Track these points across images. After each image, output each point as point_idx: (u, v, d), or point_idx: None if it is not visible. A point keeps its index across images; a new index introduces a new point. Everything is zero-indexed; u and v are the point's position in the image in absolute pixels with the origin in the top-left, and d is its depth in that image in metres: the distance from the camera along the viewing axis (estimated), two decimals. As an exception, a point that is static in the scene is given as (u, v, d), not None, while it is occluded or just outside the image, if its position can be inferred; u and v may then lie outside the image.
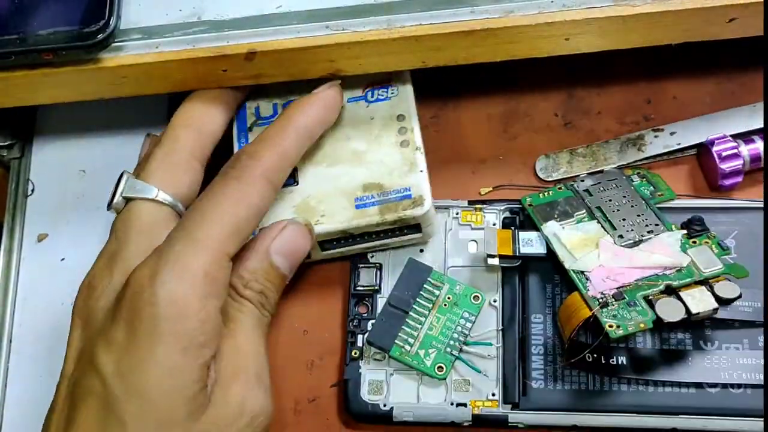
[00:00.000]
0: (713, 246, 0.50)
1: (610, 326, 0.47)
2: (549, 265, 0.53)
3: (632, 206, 0.53)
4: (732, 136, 0.55)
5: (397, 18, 0.50)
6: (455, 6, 0.50)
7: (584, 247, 0.51)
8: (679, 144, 0.56)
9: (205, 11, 0.51)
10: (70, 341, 0.46)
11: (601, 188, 0.54)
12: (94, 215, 0.59)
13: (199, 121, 0.51)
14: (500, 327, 0.52)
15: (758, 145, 0.55)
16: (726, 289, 0.48)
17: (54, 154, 0.62)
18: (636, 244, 0.51)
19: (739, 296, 0.48)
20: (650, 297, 0.48)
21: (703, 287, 0.48)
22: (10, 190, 0.61)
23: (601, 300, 0.48)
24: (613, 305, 0.48)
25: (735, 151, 0.54)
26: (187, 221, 0.45)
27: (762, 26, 0.50)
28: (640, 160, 0.57)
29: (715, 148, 0.54)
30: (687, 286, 0.48)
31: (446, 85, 0.59)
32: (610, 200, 0.53)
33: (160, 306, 0.41)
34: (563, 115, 0.59)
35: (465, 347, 0.52)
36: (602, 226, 0.52)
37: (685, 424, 0.49)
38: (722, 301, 0.48)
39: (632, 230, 0.51)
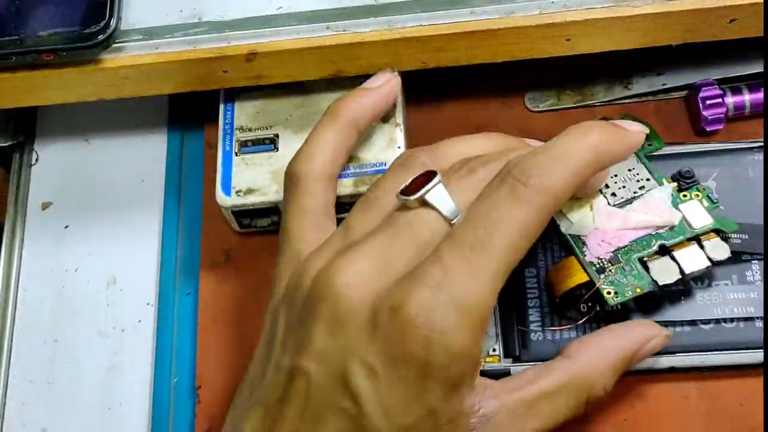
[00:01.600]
0: (703, 199, 0.51)
1: (608, 293, 0.48)
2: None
3: None
4: (720, 80, 0.56)
5: (398, 19, 0.50)
6: (456, 7, 0.50)
7: (578, 208, 0.51)
8: (664, 84, 0.57)
9: (205, 12, 0.51)
10: (314, 332, 0.41)
11: None
12: (97, 184, 0.60)
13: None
14: None
15: (744, 95, 0.55)
16: (717, 250, 0.49)
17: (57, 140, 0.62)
18: (629, 201, 0.51)
19: (730, 257, 0.49)
20: (645, 259, 0.49)
21: (695, 245, 0.49)
22: (14, 158, 0.61)
23: (597, 266, 0.49)
24: (610, 270, 0.49)
25: (719, 100, 0.55)
26: (466, 243, 0.40)
27: (762, 27, 0.50)
28: (626, 97, 0.57)
29: (700, 95, 0.55)
30: (679, 244, 0.49)
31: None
32: None
33: (434, 353, 0.39)
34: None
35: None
36: None
37: (682, 361, 0.50)
38: (714, 263, 0.49)
39: (624, 187, 0.51)
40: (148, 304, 0.57)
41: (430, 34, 0.50)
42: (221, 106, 0.56)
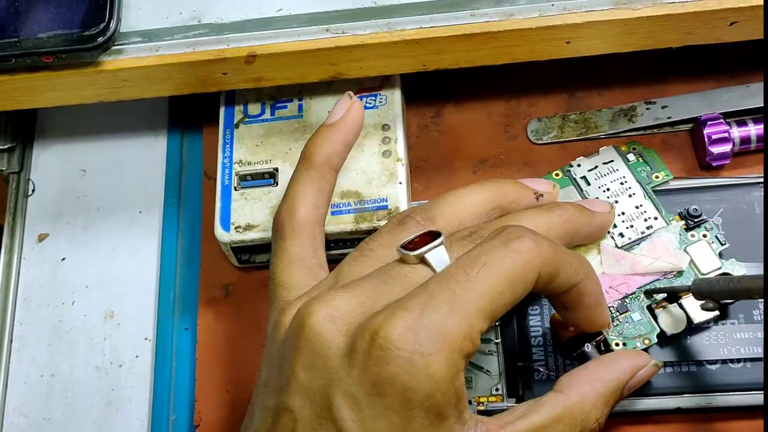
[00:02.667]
0: (711, 241, 0.50)
1: (617, 344, 0.48)
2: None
3: (630, 196, 0.52)
4: (724, 114, 0.55)
5: (398, 21, 0.50)
6: (456, 9, 0.50)
7: (586, 252, 0.50)
8: (669, 118, 0.57)
9: (205, 14, 0.51)
10: (295, 368, 0.41)
11: (598, 174, 0.53)
12: (94, 215, 0.59)
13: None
14: (498, 322, 0.51)
15: (749, 128, 0.55)
16: None
17: (54, 160, 0.61)
18: (636, 243, 0.50)
19: (737, 300, 0.48)
20: (653, 306, 0.49)
21: None
22: (10, 189, 0.61)
23: None
24: (617, 319, 0.48)
25: (725, 135, 0.54)
26: (453, 281, 0.40)
27: (762, 29, 0.50)
28: (631, 130, 0.57)
29: (706, 130, 0.54)
30: (688, 290, 0.48)
31: (448, 84, 0.59)
32: (608, 189, 0.53)
33: (416, 377, 0.38)
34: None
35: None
36: None
37: (688, 402, 0.49)
38: (722, 307, 0.48)
39: (632, 226, 0.51)
40: (146, 338, 0.56)
41: (430, 36, 0.50)
42: (220, 139, 0.56)
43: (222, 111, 0.56)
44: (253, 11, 0.51)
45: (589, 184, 0.53)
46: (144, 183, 0.60)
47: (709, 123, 0.55)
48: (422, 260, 0.42)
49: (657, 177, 0.53)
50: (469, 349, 0.40)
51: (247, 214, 0.53)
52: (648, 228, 0.51)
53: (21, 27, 0.50)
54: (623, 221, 0.51)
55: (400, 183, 0.53)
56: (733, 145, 0.54)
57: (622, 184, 0.53)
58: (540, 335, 0.51)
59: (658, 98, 0.57)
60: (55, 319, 0.57)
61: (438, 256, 0.42)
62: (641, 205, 0.52)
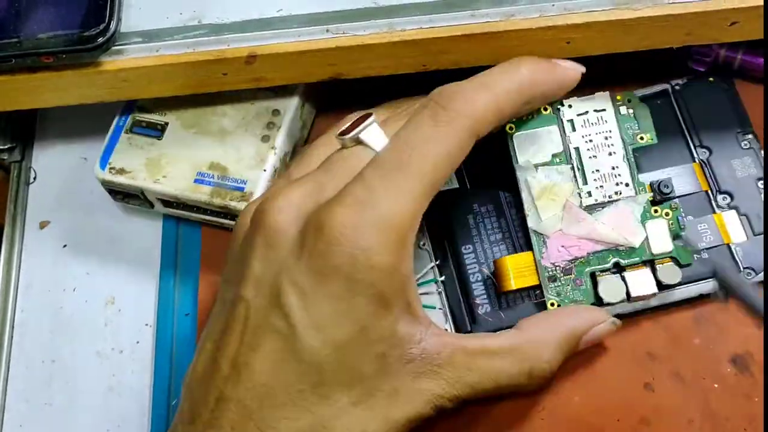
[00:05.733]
0: (671, 221, 0.50)
1: (552, 304, 0.49)
2: (464, 195, 0.54)
3: (609, 154, 0.51)
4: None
5: (398, 21, 0.50)
6: (456, 10, 0.49)
7: (549, 199, 0.50)
8: None
9: (205, 15, 0.51)
10: (251, 261, 0.43)
11: (586, 121, 0.52)
12: (96, 201, 0.60)
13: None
14: (437, 262, 0.52)
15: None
16: (668, 274, 0.49)
17: (54, 158, 0.62)
18: (601, 205, 0.50)
19: (679, 283, 0.49)
20: (596, 273, 0.49)
21: (648, 269, 0.49)
22: (12, 177, 0.61)
23: (550, 272, 0.49)
24: (560, 280, 0.49)
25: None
26: (387, 164, 0.43)
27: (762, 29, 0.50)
28: None
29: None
30: (634, 265, 0.49)
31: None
32: (591, 141, 0.52)
33: (359, 270, 0.41)
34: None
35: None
36: (574, 175, 0.51)
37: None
38: (662, 286, 0.49)
39: (602, 187, 0.51)
40: (146, 324, 0.56)
41: (430, 36, 0.49)
42: None
43: None
44: (253, 12, 0.51)
45: (574, 129, 0.52)
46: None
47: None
48: (359, 141, 0.45)
49: (642, 138, 0.52)
50: (412, 231, 0.43)
51: (125, 159, 0.54)
52: (616, 194, 0.51)
53: (21, 27, 0.49)
54: (595, 179, 0.51)
55: (265, 170, 0.53)
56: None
57: (606, 138, 0.52)
58: (477, 271, 0.52)
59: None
60: (56, 306, 0.57)
61: (372, 134, 0.45)
62: (617, 167, 0.51)
